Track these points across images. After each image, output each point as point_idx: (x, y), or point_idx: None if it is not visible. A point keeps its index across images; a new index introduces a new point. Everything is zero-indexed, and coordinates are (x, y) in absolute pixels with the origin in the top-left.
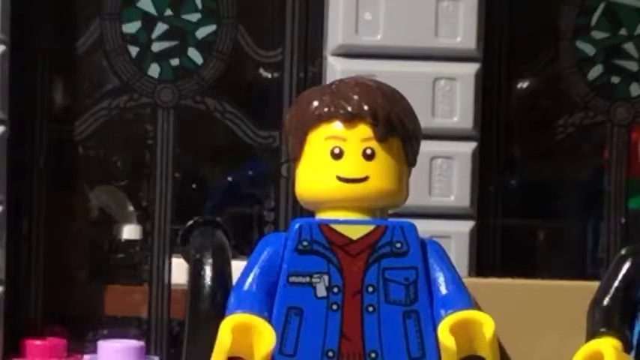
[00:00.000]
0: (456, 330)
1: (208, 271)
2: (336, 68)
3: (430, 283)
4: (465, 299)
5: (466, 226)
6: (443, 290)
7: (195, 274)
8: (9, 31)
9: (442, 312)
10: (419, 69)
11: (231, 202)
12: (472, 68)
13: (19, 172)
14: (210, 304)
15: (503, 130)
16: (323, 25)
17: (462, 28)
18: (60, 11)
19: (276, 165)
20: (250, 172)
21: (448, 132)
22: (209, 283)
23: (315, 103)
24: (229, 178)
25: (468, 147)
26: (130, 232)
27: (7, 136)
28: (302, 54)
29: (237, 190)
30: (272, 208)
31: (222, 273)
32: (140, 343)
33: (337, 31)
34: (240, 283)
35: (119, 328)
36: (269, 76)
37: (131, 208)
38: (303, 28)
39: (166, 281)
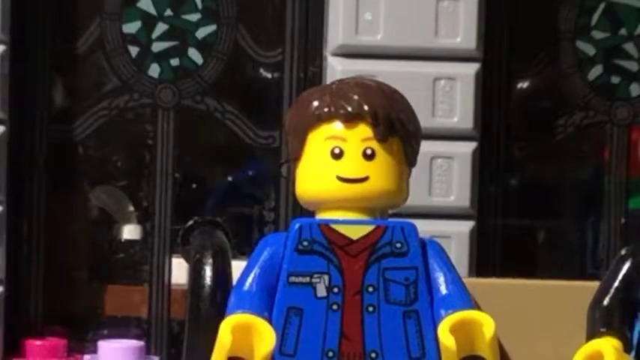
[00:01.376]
0: (456, 330)
1: (208, 271)
2: (336, 68)
3: (430, 283)
4: (465, 299)
5: (466, 226)
6: (443, 290)
7: (195, 274)
8: (9, 31)
9: (442, 312)
10: (419, 69)
11: (231, 202)
12: (472, 68)
13: (19, 172)
14: (210, 304)
15: (503, 130)
16: (323, 25)
17: (462, 28)
18: (60, 11)
19: (276, 165)
20: (250, 172)
21: (448, 132)
22: (209, 283)
23: (315, 103)
24: (229, 178)
25: (468, 147)
26: (130, 232)
27: (7, 136)
28: (302, 54)
29: (237, 190)
30: (272, 208)
31: (222, 273)
32: (140, 343)
33: (337, 31)
34: (240, 283)
35: (119, 328)
36: (269, 76)
37: (131, 208)
38: (303, 28)
39: (166, 281)
